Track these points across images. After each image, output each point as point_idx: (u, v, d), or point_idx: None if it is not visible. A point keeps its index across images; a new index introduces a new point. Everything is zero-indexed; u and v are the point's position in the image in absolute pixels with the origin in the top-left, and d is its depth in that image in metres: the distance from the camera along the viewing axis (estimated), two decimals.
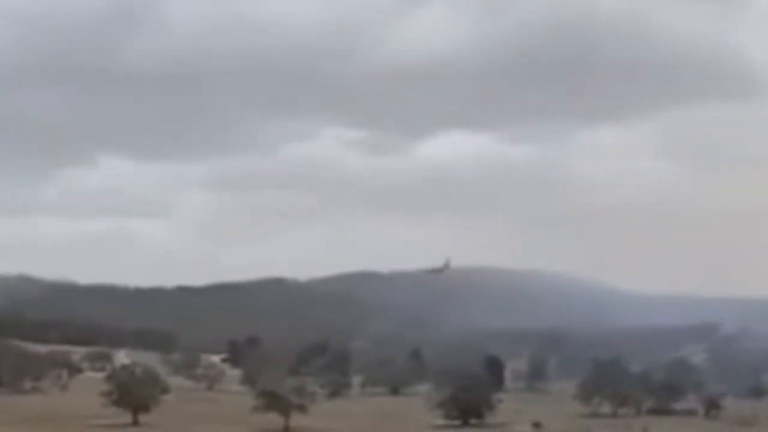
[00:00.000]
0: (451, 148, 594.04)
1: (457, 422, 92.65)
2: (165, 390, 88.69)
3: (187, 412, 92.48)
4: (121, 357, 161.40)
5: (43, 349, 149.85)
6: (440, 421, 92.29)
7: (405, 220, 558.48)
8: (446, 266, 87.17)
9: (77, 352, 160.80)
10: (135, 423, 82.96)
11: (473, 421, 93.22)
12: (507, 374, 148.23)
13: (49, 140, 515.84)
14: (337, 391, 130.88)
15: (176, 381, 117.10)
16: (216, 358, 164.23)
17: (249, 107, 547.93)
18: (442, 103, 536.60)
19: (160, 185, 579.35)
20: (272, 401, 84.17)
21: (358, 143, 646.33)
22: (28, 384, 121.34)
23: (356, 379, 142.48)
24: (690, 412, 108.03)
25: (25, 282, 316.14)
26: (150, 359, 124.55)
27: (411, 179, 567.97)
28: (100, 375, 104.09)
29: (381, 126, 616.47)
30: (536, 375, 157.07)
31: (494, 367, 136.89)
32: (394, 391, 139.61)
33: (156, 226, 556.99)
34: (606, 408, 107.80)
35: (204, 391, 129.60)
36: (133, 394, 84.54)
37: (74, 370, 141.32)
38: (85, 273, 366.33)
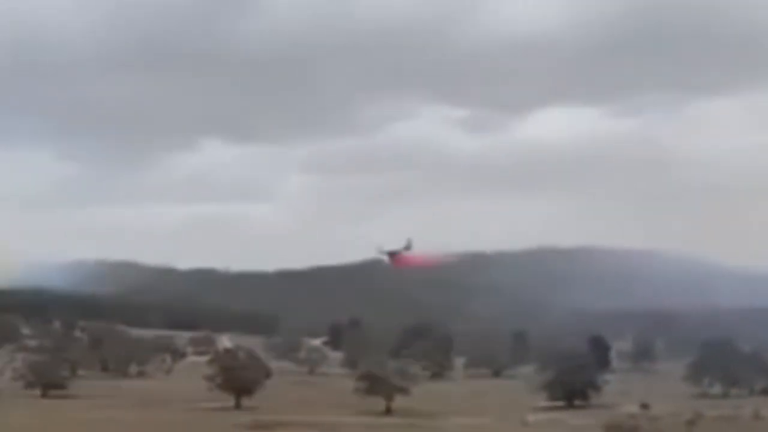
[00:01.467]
0: (554, 124, 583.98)
1: (561, 404, 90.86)
2: (267, 374, 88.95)
3: (289, 395, 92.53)
4: (224, 341, 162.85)
5: (147, 334, 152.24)
6: (544, 403, 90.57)
7: (508, 198, 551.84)
8: (407, 248, 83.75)
9: (181, 337, 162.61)
10: (238, 406, 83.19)
11: (578, 402, 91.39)
12: (613, 355, 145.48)
13: (152, 125, 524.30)
14: (439, 373, 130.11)
15: (278, 364, 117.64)
16: (317, 341, 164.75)
17: (350, 88, 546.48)
18: (545, 78, 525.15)
19: (261, 169, 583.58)
20: (374, 384, 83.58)
21: (460, 122, 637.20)
22: (133, 368, 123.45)
23: (458, 361, 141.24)
24: None
25: (129, 268, 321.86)
26: (252, 343, 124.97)
27: (514, 157, 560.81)
28: (204, 359, 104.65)
29: (483, 104, 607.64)
30: (643, 355, 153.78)
31: (600, 348, 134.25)
32: (497, 373, 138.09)
33: (258, 210, 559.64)
34: (716, 389, 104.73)
35: (306, 375, 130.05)
36: (236, 378, 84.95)
37: (178, 354, 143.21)
38: (188, 257, 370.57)
